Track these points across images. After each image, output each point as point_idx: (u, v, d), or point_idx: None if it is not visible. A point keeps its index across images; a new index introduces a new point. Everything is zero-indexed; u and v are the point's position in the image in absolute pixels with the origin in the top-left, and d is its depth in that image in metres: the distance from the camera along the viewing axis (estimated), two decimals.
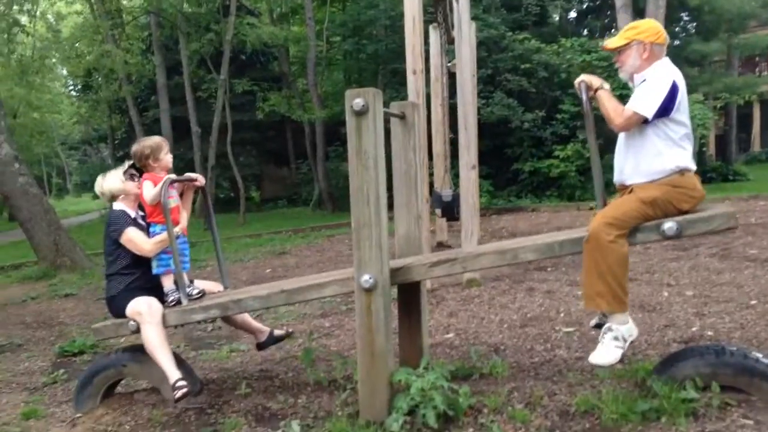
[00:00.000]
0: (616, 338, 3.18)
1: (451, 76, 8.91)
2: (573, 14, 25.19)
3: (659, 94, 3.21)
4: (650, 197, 3.22)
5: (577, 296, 5.85)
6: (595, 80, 3.42)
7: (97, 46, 19.63)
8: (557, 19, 24.56)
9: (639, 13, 18.57)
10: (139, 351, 3.99)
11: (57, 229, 10.71)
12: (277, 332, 4.46)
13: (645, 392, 3.34)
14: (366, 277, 3.31)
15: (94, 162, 35.81)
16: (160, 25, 20.36)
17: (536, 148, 16.32)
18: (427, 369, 3.46)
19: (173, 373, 3.68)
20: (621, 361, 3.94)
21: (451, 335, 5.09)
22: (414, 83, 7.56)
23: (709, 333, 4.53)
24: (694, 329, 4.63)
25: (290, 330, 4.67)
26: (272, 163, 27.25)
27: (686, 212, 3.27)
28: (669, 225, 3.18)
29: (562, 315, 5.35)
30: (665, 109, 3.22)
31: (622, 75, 3.50)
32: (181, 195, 4.12)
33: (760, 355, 3.28)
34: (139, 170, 4.10)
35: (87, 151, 40.75)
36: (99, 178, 4.18)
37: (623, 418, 3.16)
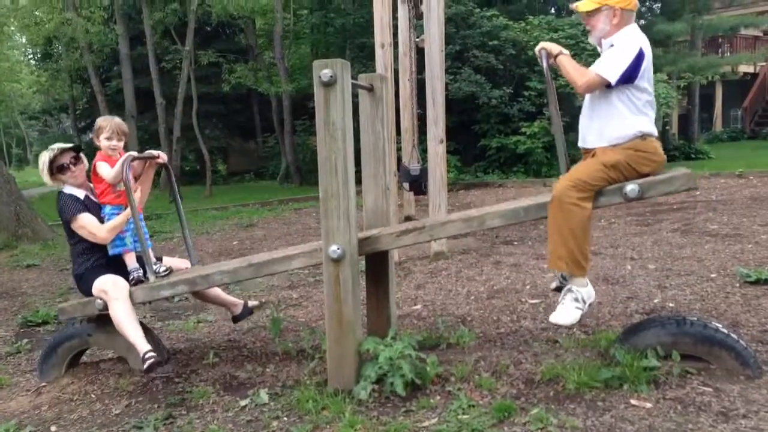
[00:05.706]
0: (576, 299, 3.28)
1: (420, 52, 8.86)
2: None
3: (625, 61, 3.24)
4: (612, 161, 3.28)
5: (542, 269, 5.93)
6: (554, 47, 3.46)
7: (57, 14, 19.06)
8: None
9: None
10: (104, 321, 3.95)
11: (18, 200, 10.50)
12: (252, 303, 4.46)
13: (608, 361, 3.41)
14: (334, 247, 3.32)
15: (56, 132, 35.03)
16: None
17: (503, 124, 16.39)
18: (395, 339, 3.49)
19: (143, 346, 3.65)
20: (585, 331, 4.03)
21: (418, 307, 5.13)
22: (382, 57, 7.55)
23: (671, 305, 4.64)
24: (656, 301, 4.73)
25: (263, 300, 4.75)
26: (239, 136, 26.96)
27: (647, 175, 3.33)
28: (631, 187, 3.25)
29: (528, 287, 5.42)
30: (629, 77, 3.25)
31: (591, 39, 3.53)
32: (140, 175, 4.04)
33: (719, 325, 3.38)
34: (78, 150, 3.99)
35: (48, 122, 39.81)
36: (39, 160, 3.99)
37: (586, 386, 3.23)
